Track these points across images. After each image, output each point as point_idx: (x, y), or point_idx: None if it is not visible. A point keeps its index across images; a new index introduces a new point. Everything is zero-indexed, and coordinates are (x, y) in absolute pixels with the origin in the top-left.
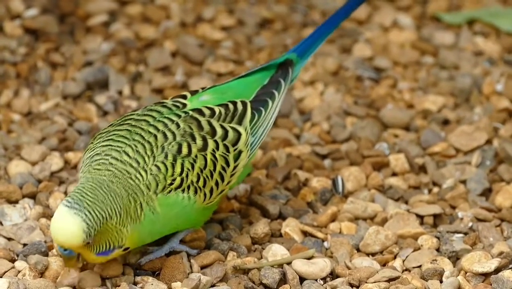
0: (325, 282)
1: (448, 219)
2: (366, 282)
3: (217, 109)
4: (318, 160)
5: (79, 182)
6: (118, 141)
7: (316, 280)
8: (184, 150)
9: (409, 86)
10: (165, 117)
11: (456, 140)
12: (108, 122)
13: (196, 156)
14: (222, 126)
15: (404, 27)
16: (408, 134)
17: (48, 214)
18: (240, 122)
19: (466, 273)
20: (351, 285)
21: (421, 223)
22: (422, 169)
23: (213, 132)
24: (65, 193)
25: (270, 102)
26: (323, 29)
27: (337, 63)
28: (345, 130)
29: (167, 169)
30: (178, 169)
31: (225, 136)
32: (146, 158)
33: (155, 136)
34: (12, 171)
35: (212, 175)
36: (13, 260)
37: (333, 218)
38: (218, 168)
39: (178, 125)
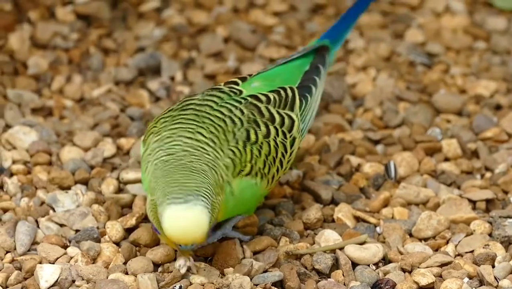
0: (377, 267)
1: (501, 204)
2: (418, 267)
3: (271, 96)
4: (370, 145)
5: (147, 165)
6: (188, 123)
7: (369, 265)
8: (252, 136)
9: (462, 71)
10: (226, 102)
11: (509, 125)
12: (160, 108)
13: (262, 142)
14: (278, 113)
15: (456, 12)
16: (460, 119)
17: (100, 200)
18: (292, 109)
19: None
20: (403, 270)
21: (474, 208)
22: (475, 154)
23: (272, 119)
24: (117, 179)
25: (314, 89)
26: (352, 13)
27: (390, 48)
28: (398, 116)
29: (241, 154)
30: (248, 155)
31: (282, 122)
32: (222, 140)
33: (224, 121)
34: (65, 157)
35: (274, 162)
36: (65, 246)
37: (386, 204)
38: (279, 154)
39: (242, 111)
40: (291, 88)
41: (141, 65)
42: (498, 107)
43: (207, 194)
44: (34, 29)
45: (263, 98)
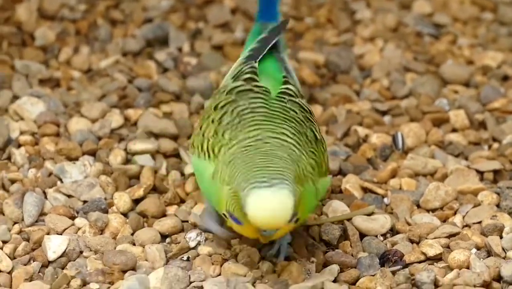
0: (385, 238)
1: (508, 175)
2: (426, 238)
3: (292, 88)
4: (378, 116)
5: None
6: (266, 125)
7: (376, 236)
8: (317, 134)
9: (469, 42)
10: (274, 104)
11: None
12: (168, 78)
13: (322, 139)
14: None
15: None
16: (468, 90)
17: (108, 171)
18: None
19: None
20: (411, 241)
21: (481, 179)
22: (482, 125)
23: (310, 112)
24: (125, 150)
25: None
26: None
27: (397, 19)
28: (405, 86)
29: (319, 154)
30: (321, 155)
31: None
32: (303, 142)
33: (293, 123)
34: (72, 128)
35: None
36: (73, 217)
37: (393, 174)
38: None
39: (294, 111)
40: (287, 77)
41: (149, 36)
42: (505, 78)
43: (290, 179)
44: (41, 0)
45: (292, 92)
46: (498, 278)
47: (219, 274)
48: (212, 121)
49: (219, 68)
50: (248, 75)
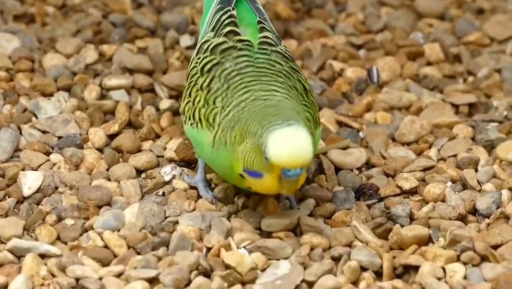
0: (360, 172)
1: (483, 108)
2: (401, 172)
3: (270, 35)
4: (353, 50)
5: (226, 138)
6: (256, 85)
7: (352, 170)
8: (306, 85)
9: None
10: (260, 59)
11: (491, 29)
12: (143, 14)
13: (310, 89)
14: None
15: None
16: (442, 23)
17: (83, 106)
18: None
19: (501, 161)
20: (386, 174)
21: (456, 112)
22: (457, 58)
23: (292, 59)
24: (100, 85)
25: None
26: None
27: None
28: (380, 20)
29: (311, 105)
30: (314, 105)
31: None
32: (294, 96)
33: (281, 77)
34: (47, 64)
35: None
36: (48, 153)
37: (368, 108)
38: None
39: (279, 63)
40: (263, 22)
41: None
42: (480, 11)
43: (303, 122)
44: None
45: (271, 40)
46: (473, 211)
47: (194, 209)
48: (201, 88)
49: (193, 2)
50: (229, 28)
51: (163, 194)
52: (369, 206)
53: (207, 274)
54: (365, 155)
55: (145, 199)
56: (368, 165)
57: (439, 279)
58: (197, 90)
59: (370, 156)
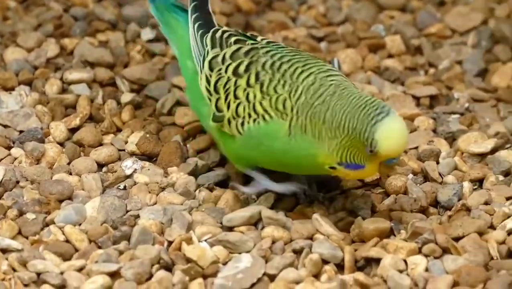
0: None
1: (445, 100)
2: None
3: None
4: (314, 42)
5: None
6: (309, 64)
7: None
8: None
9: None
10: (284, 50)
11: (452, 21)
12: (104, 7)
13: None
14: None
15: None
16: (404, 15)
17: (44, 100)
18: None
19: (462, 153)
20: None
21: (418, 104)
22: (418, 50)
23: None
24: (61, 79)
25: None
26: None
27: None
28: (341, 12)
29: None
30: None
31: None
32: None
33: (316, 59)
34: (8, 58)
35: None
36: (9, 147)
37: None
38: None
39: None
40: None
41: None
42: (441, 3)
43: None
44: None
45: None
46: (435, 203)
47: (155, 203)
48: (249, 86)
49: None
50: (234, 38)
51: (125, 188)
52: (331, 199)
53: (169, 268)
54: None
55: (106, 193)
56: None
57: (400, 271)
58: (245, 90)
59: None
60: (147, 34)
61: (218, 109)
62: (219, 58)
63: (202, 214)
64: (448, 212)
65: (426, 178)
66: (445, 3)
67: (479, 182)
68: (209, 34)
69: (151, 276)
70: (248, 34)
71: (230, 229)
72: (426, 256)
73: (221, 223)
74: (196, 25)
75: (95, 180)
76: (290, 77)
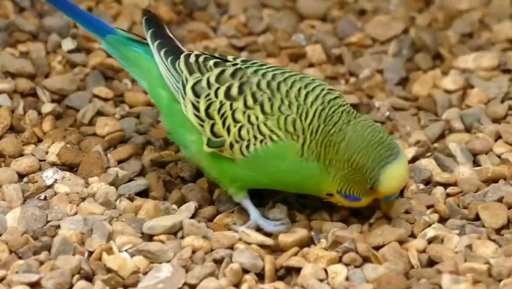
0: None
1: (365, 109)
2: None
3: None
4: (235, 52)
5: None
6: (308, 83)
7: None
8: None
9: None
10: (270, 66)
11: (373, 30)
12: (25, 18)
13: None
14: None
15: None
16: (324, 24)
17: None
18: None
19: None
20: None
21: None
22: (339, 59)
23: None
24: None
25: None
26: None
27: None
28: (262, 22)
29: None
30: None
31: None
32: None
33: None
34: None
35: None
36: None
37: None
38: None
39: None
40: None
41: None
42: (362, 12)
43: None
44: None
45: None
46: (356, 213)
47: (76, 213)
48: (248, 108)
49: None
50: (212, 61)
51: (45, 198)
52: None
53: (89, 278)
54: None
55: (27, 204)
56: None
57: (321, 280)
58: (244, 112)
59: None
60: (68, 44)
61: (215, 134)
62: (203, 83)
63: (122, 224)
64: (368, 220)
65: None
66: (365, 12)
67: (399, 191)
68: (181, 60)
69: (71, 286)
70: (216, 54)
71: (151, 238)
72: (347, 265)
73: (141, 233)
74: (162, 53)
75: (16, 190)
76: (295, 98)
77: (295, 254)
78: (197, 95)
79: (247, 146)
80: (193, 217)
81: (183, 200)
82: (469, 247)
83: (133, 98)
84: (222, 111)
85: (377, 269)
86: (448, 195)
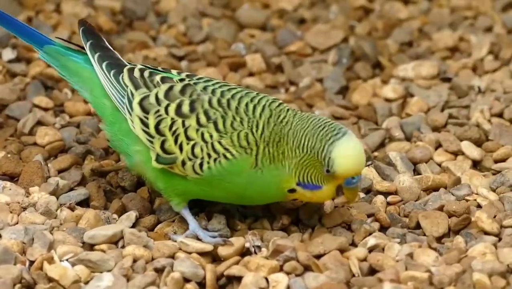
0: None
1: None
2: None
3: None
4: (175, 61)
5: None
6: (256, 97)
7: None
8: None
9: None
10: (217, 82)
11: (313, 39)
12: None
13: None
14: None
15: None
16: (264, 34)
17: None
18: None
19: None
20: None
21: None
22: (279, 68)
23: None
24: None
25: None
26: None
27: None
28: (202, 31)
29: None
30: None
31: None
32: None
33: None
34: None
35: None
36: None
37: None
38: None
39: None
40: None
41: None
42: (302, 21)
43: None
44: None
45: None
46: (296, 221)
47: (17, 223)
48: (201, 125)
49: (16, 16)
50: (158, 76)
51: None
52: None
53: (31, 287)
54: None
55: None
56: None
57: None
58: (197, 130)
59: None
60: (7, 54)
61: (165, 151)
62: (152, 99)
63: (63, 234)
64: (310, 229)
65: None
66: (305, 21)
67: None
68: (125, 74)
69: None
70: (160, 68)
71: (92, 247)
72: (288, 273)
73: (82, 242)
74: (104, 66)
75: None
76: (245, 113)
77: (236, 263)
78: (145, 111)
79: (201, 165)
80: (133, 226)
81: (124, 209)
82: (410, 255)
83: (73, 107)
84: (173, 128)
85: (318, 278)
86: (388, 203)
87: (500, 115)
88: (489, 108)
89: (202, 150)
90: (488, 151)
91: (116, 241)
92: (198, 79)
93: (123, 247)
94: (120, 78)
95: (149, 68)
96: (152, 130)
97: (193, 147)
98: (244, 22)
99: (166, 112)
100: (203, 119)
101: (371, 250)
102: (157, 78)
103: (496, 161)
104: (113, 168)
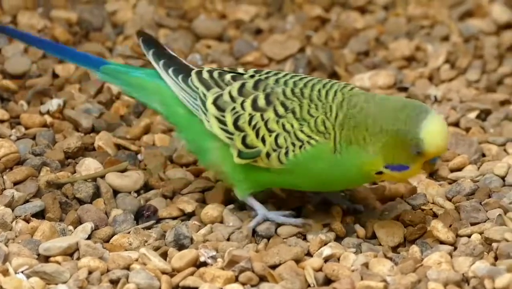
0: (139, 194)
1: None
2: (180, 193)
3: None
4: None
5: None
6: (328, 83)
7: (130, 192)
8: None
9: None
10: (287, 74)
11: (269, 49)
12: None
13: None
14: None
15: None
16: (220, 44)
17: None
18: None
19: None
20: (165, 196)
21: None
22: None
23: None
24: None
25: None
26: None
27: None
28: None
29: None
30: None
31: None
32: None
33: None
34: None
35: None
36: None
37: (147, 130)
38: None
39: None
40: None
41: None
42: (258, 31)
43: None
44: None
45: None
46: (252, 233)
47: None
48: (280, 116)
49: None
50: (228, 75)
51: None
52: (148, 228)
53: None
54: (143, 177)
55: None
56: (147, 187)
57: None
58: (277, 121)
59: (148, 178)
60: None
61: (247, 146)
62: (226, 97)
63: (18, 246)
64: (265, 240)
65: (243, 207)
66: (261, 32)
67: (297, 209)
68: (193, 77)
69: None
70: (226, 68)
71: (47, 259)
72: (243, 284)
73: (37, 254)
74: (171, 72)
75: None
76: (318, 99)
77: (192, 273)
78: (221, 109)
79: (286, 154)
80: (89, 238)
81: (79, 221)
82: (366, 265)
83: (29, 119)
84: (253, 123)
85: (273, 288)
86: (344, 213)
87: (456, 124)
88: (446, 117)
89: (285, 140)
90: (444, 160)
91: (71, 253)
92: (267, 73)
93: (78, 259)
94: (189, 82)
95: (217, 69)
96: (230, 127)
97: (276, 138)
98: (200, 33)
99: (243, 108)
100: (281, 110)
101: (326, 260)
102: (228, 77)
103: (452, 170)
104: (68, 180)
